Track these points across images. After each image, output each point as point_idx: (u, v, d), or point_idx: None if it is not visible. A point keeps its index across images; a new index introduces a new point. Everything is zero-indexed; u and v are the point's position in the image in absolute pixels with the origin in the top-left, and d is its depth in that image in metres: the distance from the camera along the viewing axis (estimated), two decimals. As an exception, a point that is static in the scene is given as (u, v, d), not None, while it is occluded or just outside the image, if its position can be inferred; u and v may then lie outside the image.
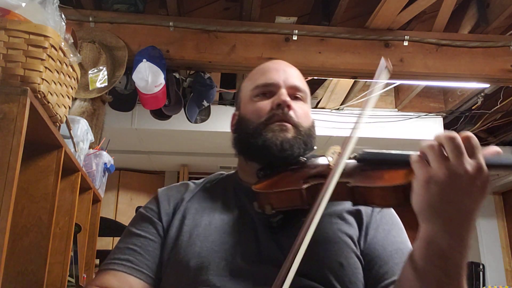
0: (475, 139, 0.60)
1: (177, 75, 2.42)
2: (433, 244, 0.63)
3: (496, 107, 3.43)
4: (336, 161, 0.72)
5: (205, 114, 2.62)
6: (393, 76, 2.44)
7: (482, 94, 3.30)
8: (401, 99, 3.64)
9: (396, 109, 3.71)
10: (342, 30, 2.33)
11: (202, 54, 2.24)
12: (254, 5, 2.20)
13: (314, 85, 3.40)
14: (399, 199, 0.65)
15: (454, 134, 0.61)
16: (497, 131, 4.06)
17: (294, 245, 0.59)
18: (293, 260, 0.57)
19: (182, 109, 2.42)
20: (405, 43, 2.33)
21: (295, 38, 2.28)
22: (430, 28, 2.40)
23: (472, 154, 0.60)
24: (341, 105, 3.60)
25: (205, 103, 2.48)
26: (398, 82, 3.19)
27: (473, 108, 3.54)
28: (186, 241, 0.81)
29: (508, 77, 2.37)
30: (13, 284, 1.03)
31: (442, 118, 3.70)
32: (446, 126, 3.80)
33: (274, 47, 2.27)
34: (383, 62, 0.82)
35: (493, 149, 0.62)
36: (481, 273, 4.77)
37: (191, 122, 2.50)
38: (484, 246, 4.91)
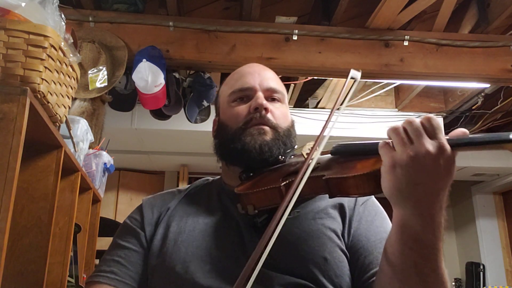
0: (435, 120, 0.62)
1: (177, 75, 2.41)
2: (406, 227, 0.64)
3: (497, 107, 3.43)
4: (307, 156, 0.75)
5: (205, 114, 2.62)
6: (393, 76, 2.44)
7: (482, 94, 3.30)
8: (401, 99, 3.64)
9: (396, 109, 3.71)
10: (342, 30, 2.33)
11: (202, 54, 2.24)
12: (254, 5, 2.20)
13: (314, 85, 3.40)
14: (371, 186, 0.68)
15: (412, 118, 0.63)
16: (498, 131, 4.04)
17: (262, 239, 0.60)
18: (261, 254, 0.58)
19: (182, 109, 2.41)
20: (405, 43, 2.33)
21: (295, 38, 2.28)
22: (430, 28, 2.40)
23: (433, 134, 0.61)
24: (341, 105, 3.59)
25: (205, 103, 2.48)
26: (398, 82, 3.19)
27: (473, 108, 3.54)
28: (171, 247, 0.83)
29: (509, 77, 2.37)
30: (13, 284, 1.03)
31: (442, 118, 3.70)
32: (447, 126, 3.79)
33: (274, 47, 2.27)
34: (352, 72, 0.87)
35: (460, 130, 0.63)
36: (481, 273, 4.78)
37: (191, 122, 2.50)
38: (484, 246, 4.91)
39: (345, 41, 2.31)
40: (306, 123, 3.48)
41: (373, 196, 0.91)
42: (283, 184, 0.76)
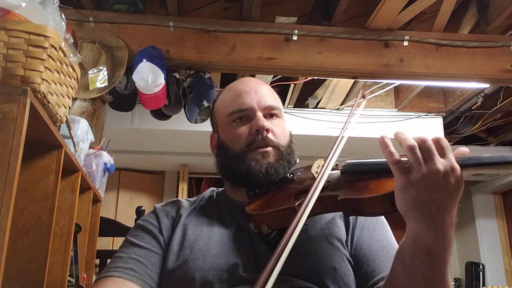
0: (445, 141, 0.66)
1: (177, 75, 2.42)
2: (419, 241, 0.67)
3: (496, 107, 3.43)
4: (318, 175, 0.76)
5: (205, 114, 2.62)
6: (393, 76, 2.44)
7: (482, 94, 3.30)
8: (401, 99, 3.64)
9: (396, 109, 3.71)
10: (342, 30, 2.33)
11: (202, 54, 2.24)
12: (254, 5, 2.20)
13: (314, 85, 3.40)
14: (386, 206, 0.70)
15: (424, 137, 0.66)
16: (497, 131, 4.06)
17: (276, 251, 0.62)
18: (275, 264, 0.60)
19: (182, 109, 2.42)
20: (405, 43, 2.33)
21: (295, 38, 2.28)
22: (430, 28, 2.40)
23: (443, 154, 0.65)
24: (341, 105, 3.60)
25: (205, 103, 2.48)
26: (398, 82, 3.19)
27: (473, 108, 3.54)
28: (188, 255, 0.84)
29: (508, 77, 2.37)
30: (13, 283, 1.03)
31: (442, 118, 3.70)
32: (446, 126, 3.80)
33: (274, 47, 2.27)
34: (360, 94, 0.89)
35: (462, 150, 0.68)
36: (481, 273, 4.78)
37: (191, 122, 2.50)
38: (484, 246, 4.91)
39: (345, 41, 2.32)
40: (306, 123, 3.48)
41: None
42: (297, 204, 0.78)
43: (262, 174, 0.87)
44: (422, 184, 0.64)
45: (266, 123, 0.91)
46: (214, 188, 1.05)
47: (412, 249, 0.68)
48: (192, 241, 0.86)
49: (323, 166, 0.77)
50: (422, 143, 0.65)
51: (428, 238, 0.66)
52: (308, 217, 0.75)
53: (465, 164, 0.66)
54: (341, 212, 0.90)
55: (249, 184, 0.90)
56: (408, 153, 0.66)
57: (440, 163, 0.64)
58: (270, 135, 0.91)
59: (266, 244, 0.84)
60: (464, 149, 0.68)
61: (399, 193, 0.66)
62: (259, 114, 0.92)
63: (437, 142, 0.66)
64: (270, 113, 0.95)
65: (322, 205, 0.76)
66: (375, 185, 0.72)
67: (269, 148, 0.90)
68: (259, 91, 0.95)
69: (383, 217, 0.93)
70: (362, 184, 0.75)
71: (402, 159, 0.67)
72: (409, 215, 0.67)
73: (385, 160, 0.70)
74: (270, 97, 0.97)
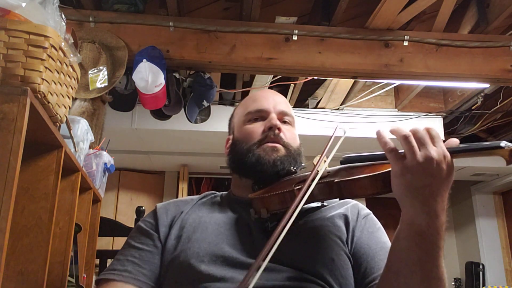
0: (434, 131, 0.71)
1: (177, 75, 2.42)
2: (413, 224, 0.71)
3: (496, 107, 3.43)
4: (318, 162, 0.84)
5: (205, 114, 2.62)
6: (393, 76, 2.44)
7: (482, 94, 3.30)
8: (401, 99, 3.64)
9: (396, 109, 3.72)
10: (342, 30, 2.33)
11: (202, 54, 2.24)
12: (254, 5, 2.20)
13: (314, 85, 3.40)
14: (379, 187, 0.75)
15: (416, 128, 0.71)
16: (497, 131, 4.06)
17: (273, 233, 0.67)
18: (272, 246, 0.65)
19: (182, 109, 2.42)
20: (405, 43, 2.33)
21: (295, 38, 2.28)
22: (430, 28, 2.40)
23: (434, 143, 0.70)
24: (341, 105, 3.60)
25: (205, 103, 2.48)
26: (398, 82, 3.19)
27: (473, 108, 3.54)
28: (185, 244, 0.89)
29: (508, 77, 2.37)
30: (13, 284, 1.03)
31: (442, 118, 3.70)
32: (446, 126, 3.80)
33: (274, 47, 2.27)
34: (337, 130, 0.94)
35: (453, 140, 0.73)
36: (481, 273, 4.78)
37: (191, 122, 2.50)
38: (484, 246, 4.91)
39: (345, 41, 2.32)
40: (306, 123, 3.48)
41: (372, 213, 1.00)
42: (296, 188, 0.82)
43: (269, 164, 0.93)
44: (417, 171, 0.68)
45: (279, 123, 0.98)
46: (215, 192, 1.10)
47: (407, 232, 0.72)
48: (190, 232, 0.91)
49: (322, 153, 0.84)
50: (416, 133, 0.70)
51: (422, 221, 0.70)
52: (306, 203, 0.80)
53: (454, 151, 0.71)
54: (341, 212, 0.95)
55: (256, 174, 0.95)
56: (403, 142, 0.70)
57: (433, 150, 0.69)
58: (281, 134, 0.97)
59: (263, 232, 0.88)
60: (455, 140, 0.73)
61: (395, 179, 0.71)
62: (273, 115, 0.99)
63: (427, 131, 0.71)
64: (283, 119, 1.02)
65: (320, 191, 0.81)
66: (370, 169, 0.78)
67: (279, 145, 0.96)
68: (276, 98, 1.05)
69: (380, 224, 0.97)
70: (358, 169, 0.80)
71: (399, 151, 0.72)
72: (404, 200, 0.71)
73: (381, 153, 0.75)
74: (285, 104, 1.05)
